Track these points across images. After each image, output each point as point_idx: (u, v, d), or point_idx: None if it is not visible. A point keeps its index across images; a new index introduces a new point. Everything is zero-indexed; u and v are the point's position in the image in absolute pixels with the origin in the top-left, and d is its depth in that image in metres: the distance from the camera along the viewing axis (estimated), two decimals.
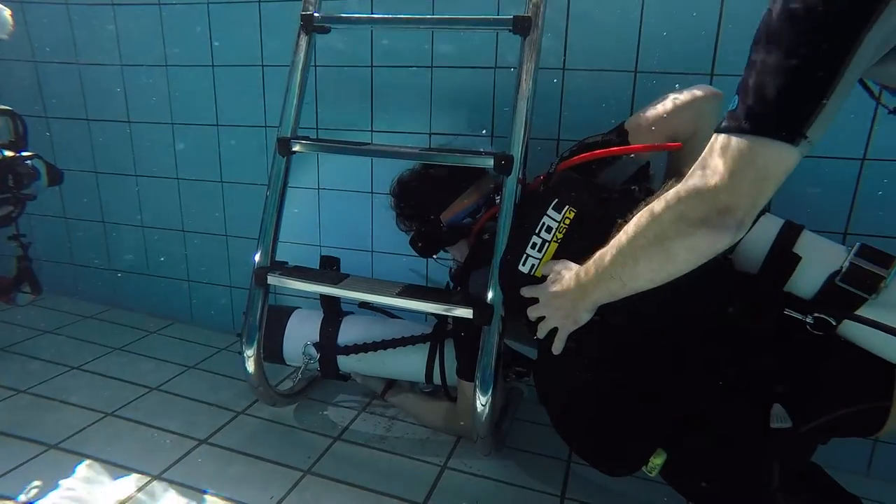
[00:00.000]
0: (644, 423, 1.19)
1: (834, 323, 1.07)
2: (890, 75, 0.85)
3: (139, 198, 2.33)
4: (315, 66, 1.89)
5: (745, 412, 1.14)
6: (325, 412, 1.82)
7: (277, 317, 1.73)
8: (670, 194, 0.85)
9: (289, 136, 1.55)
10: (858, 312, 1.04)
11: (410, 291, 1.42)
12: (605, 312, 1.15)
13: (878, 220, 1.51)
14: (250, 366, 1.55)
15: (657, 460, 1.18)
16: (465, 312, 1.33)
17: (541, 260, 1.22)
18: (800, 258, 1.11)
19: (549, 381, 1.33)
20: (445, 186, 1.55)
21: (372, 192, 2.00)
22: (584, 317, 1.12)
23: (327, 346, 1.69)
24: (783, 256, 1.12)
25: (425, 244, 1.60)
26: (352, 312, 1.80)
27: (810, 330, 1.08)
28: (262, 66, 2.00)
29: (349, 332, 1.71)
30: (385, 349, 1.64)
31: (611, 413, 1.21)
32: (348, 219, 2.06)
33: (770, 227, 1.17)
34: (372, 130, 1.94)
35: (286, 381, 1.97)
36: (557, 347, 1.18)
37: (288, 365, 1.79)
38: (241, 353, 1.57)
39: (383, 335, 1.67)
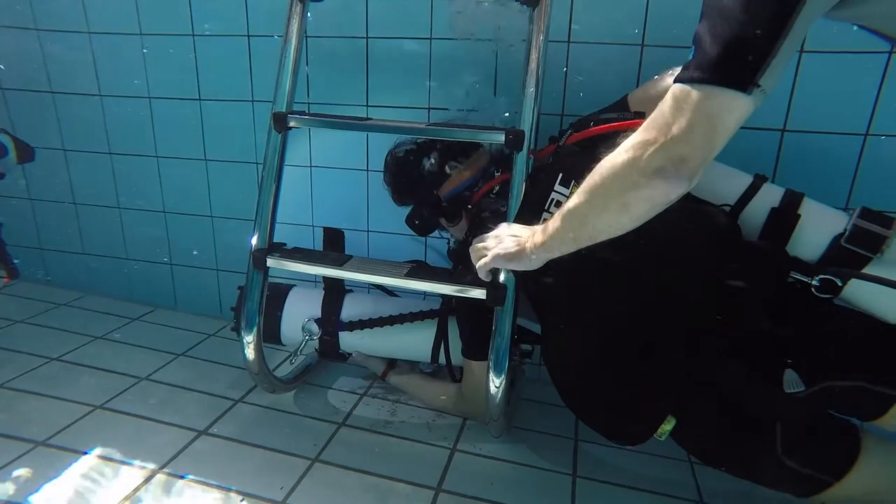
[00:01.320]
0: (654, 392, 1.19)
1: (840, 283, 1.08)
2: (875, 16, 0.85)
3: (115, 177, 2.19)
4: (306, 37, 1.79)
5: (749, 375, 1.15)
6: (325, 398, 1.77)
7: (274, 295, 1.66)
8: (627, 145, 0.85)
9: (284, 111, 1.47)
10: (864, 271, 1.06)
11: (419, 272, 1.38)
12: (613, 278, 1.16)
13: (880, 195, 1.53)
14: (250, 352, 1.48)
15: (667, 427, 1.19)
16: (479, 293, 1.30)
17: None
18: (799, 216, 1.13)
19: (556, 354, 1.32)
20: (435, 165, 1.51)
21: (367, 170, 1.92)
22: (527, 262, 1.07)
23: (329, 322, 1.63)
24: (783, 217, 1.15)
25: (422, 222, 1.58)
26: (351, 290, 1.75)
27: (816, 293, 1.10)
28: (248, 36, 1.89)
29: (352, 308, 1.66)
30: (392, 325, 1.60)
31: (620, 384, 1.21)
32: (343, 197, 1.98)
33: (772, 195, 1.19)
34: (367, 105, 1.86)
35: (282, 367, 1.91)
36: (482, 271, 1.17)
37: (283, 346, 1.73)
38: (239, 338, 1.50)
39: (389, 311, 1.62)
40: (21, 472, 1.32)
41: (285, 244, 1.52)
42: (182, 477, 1.35)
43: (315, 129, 1.90)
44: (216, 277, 2.20)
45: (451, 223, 1.56)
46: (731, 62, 0.76)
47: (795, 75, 1.52)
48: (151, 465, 1.38)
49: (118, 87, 2.07)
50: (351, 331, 1.62)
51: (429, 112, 1.81)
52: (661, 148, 0.80)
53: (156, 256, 2.24)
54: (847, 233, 1.09)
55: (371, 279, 1.38)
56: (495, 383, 1.32)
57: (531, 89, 1.32)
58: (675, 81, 0.81)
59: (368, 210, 1.96)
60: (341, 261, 1.40)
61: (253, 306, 1.46)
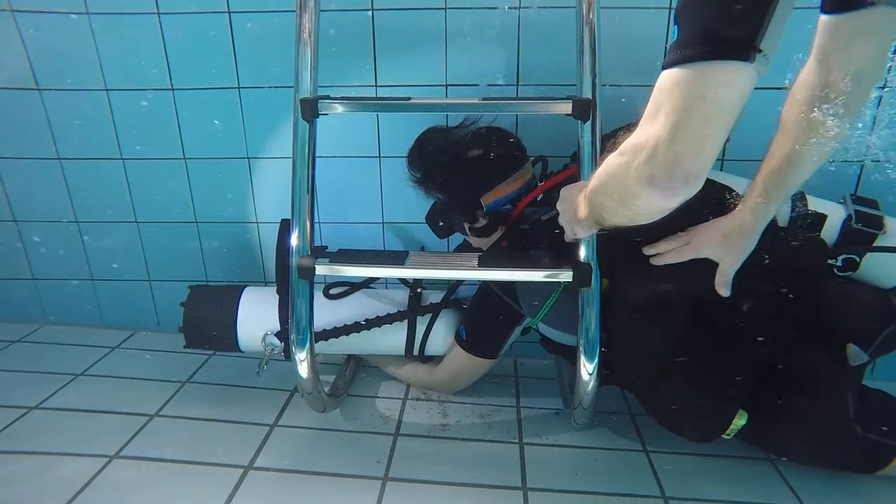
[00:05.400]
0: (725, 384, 1.23)
1: (858, 260, 1.24)
2: None
3: (67, 187, 1.86)
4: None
5: (817, 355, 1.23)
6: (364, 407, 1.63)
7: (226, 300, 1.57)
8: (624, 146, 0.77)
9: (311, 96, 1.29)
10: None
11: (492, 260, 1.27)
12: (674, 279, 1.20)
13: None
14: (304, 370, 1.32)
15: (740, 421, 1.25)
16: (566, 276, 1.22)
17: None
18: (826, 216, 1.27)
19: (629, 365, 1.33)
20: (486, 169, 1.44)
21: (380, 156, 1.76)
22: (580, 232, 1.14)
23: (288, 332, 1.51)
24: (807, 216, 1.28)
25: (447, 224, 1.52)
26: None
27: (836, 272, 1.24)
28: (229, 12, 1.64)
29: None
30: (358, 332, 1.52)
31: (691, 376, 1.24)
32: (351, 189, 1.81)
33: None
34: (376, 85, 1.69)
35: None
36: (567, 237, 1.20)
37: (242, 353, 1.63)
38: (291, 357, 1.33)
39: (354, 316, 1.54)
40: None
41: (326, 246, 1.36)
42: None
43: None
44: None
45: (484, 236, 1.49)
46: (724, 28, 0.65)
47: None
48: None
49: (62, 79, 1.74)
50: (315, 342, 1.50)
51: (446, 89, 1.67)
52: (651, 152, 0.70)
53: (130, 274, 1.95)
54: (854, 216, 1.25)
55: (441, 275, 1.26)
56: (588, 369, 1.26)
57: (587, 56, 1.24)
58: (663, 68, 0.70)
59: (382, 200, 1.81)
60: (401, 259, 1.27)
61: (302, 321, 1.29)
